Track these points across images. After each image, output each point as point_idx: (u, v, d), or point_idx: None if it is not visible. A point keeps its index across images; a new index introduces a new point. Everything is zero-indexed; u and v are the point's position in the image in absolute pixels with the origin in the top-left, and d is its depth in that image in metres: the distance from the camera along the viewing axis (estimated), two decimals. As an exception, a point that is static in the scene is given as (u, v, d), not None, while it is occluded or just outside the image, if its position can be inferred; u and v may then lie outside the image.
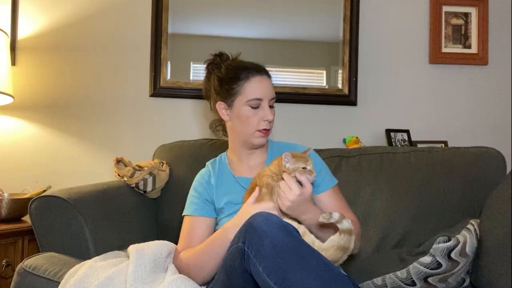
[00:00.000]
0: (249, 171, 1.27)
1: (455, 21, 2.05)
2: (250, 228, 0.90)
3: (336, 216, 1.00)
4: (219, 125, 1.34)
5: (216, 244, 1.09)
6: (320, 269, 0.82)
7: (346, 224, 1.00)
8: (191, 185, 1.31)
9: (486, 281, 1.16)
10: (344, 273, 1.19)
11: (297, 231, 0.92)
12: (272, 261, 0.83)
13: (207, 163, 1.35)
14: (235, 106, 1.20)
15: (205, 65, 1.30)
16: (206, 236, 1.19)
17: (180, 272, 1.12)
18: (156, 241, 1.18)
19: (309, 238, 1.01)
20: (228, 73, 1.22)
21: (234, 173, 1.28)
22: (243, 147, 1.27)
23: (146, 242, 1.17)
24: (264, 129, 1.20)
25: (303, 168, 1.07)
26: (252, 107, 1.19)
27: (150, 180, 1.54)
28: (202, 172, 1.32)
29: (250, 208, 1.06)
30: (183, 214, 1.26)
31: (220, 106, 1.24)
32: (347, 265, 1.39)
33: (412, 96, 2.04)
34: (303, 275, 0.80)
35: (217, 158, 1.35)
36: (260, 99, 1.19)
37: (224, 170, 1.30)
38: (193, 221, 1.23)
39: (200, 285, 1.11)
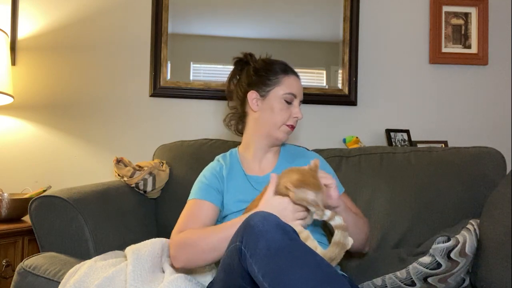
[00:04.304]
0: (260, 172, 1.27)
1: (455, 21, 2.05)
2: (247, 227, 0.89)
3: (328, 213, 1.00)
4: (233, 119, 1.35)
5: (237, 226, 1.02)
6: (315, 269, 0.81)
7: (338, 220, 1.01)
8: (191, 185, 1.28)
9: (486, 281, 1.16)
10: (344, 273, 1.19)
11: (295, 231, 0.91)
12: (266, 263, 0.83)
13: (217, 157, 1.34)
14: (270, 97, 1.23)
15: (233, 62, 1.34)
16: (208, 222, 1.16)
17: (176, 248, 1.07)
18: (151, 240, 1.18)
19: (312, 243, 1.00)
20: (266, 65, 1.27)
21: (246, 171, 1.27)
22: (263, 142, 1.27)
23: (141, 242, 1.18)
24: (291, 125, 1.24)
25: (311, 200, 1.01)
26: (287, 101, 1.23)
27: (150, 180, 1.54)
28: (213, 164, 1.30)
29: (270, 199, 1.05)
30: (189, 199, 1.22)
31: (252, 95, 1.25)
32: (347, 266, 1.39)
33: (412, 96, 2.04)
34: (297, 276, 0.79)
35: (228, 153, 1.34)
36: (295, 95, 1.24)
37: (235, 166, 1.28)
38: (199, 204, 1.19)
39: (202, 265, 1.07)
